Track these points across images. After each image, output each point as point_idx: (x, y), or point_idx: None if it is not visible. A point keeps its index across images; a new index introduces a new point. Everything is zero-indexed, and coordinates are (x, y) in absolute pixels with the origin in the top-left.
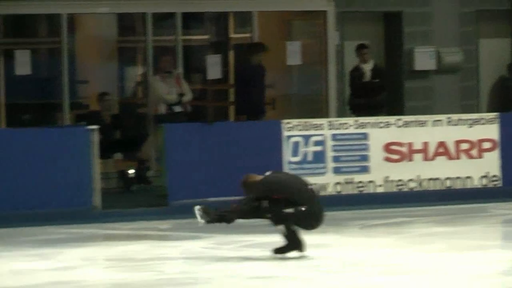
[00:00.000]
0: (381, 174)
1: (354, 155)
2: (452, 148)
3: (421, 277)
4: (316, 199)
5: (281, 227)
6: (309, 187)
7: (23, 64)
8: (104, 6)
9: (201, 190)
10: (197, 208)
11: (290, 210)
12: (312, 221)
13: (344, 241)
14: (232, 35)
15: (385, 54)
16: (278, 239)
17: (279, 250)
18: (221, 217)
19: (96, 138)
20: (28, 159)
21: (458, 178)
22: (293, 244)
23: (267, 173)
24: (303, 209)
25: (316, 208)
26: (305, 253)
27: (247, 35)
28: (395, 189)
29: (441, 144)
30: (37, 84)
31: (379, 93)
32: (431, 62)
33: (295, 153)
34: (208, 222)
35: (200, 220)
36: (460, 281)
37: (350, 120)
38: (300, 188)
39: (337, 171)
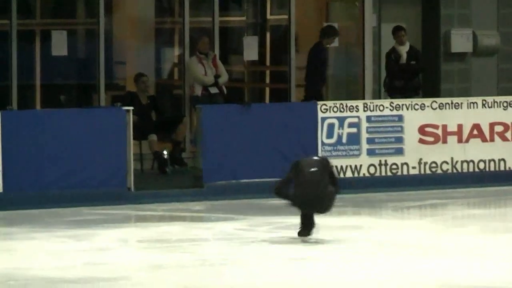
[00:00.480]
0: (415, 156)
1: (389, 137)
2: (486, 130)
3: (455, 259)
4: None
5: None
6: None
7: (59, 45)
8: None
9: (236, 172)
10: None
11: None
12: None
13: (377, 223)
14: (269, 17)
15: (422, 37)
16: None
17: (304, 233)
18: None
19: (131, 119)
20: (63, 140)
21: (491, 160)
22: (313, 224)
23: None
24: None
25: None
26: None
27: (284, 16)
28: (428, 172)
29: (476, 126)
30: (73, 65)
31: (415, 76)
32: (468, 44)
33: (330, 134)
34: None
35: None
36: (494, 263)
37: (386, 102)
38: None
39: (371, 153)
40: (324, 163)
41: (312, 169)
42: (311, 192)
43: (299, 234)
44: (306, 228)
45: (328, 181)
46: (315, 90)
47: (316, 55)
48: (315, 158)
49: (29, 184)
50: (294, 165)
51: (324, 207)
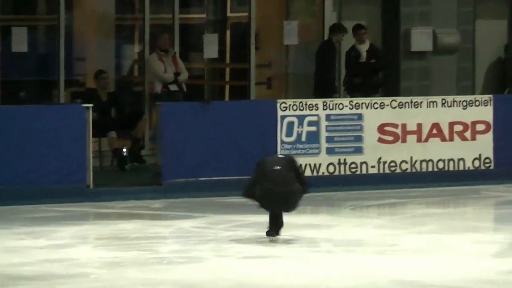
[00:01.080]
0: (374, 155)
1: (348, 136)
2: (445, 129)
3: (414, 258)
4: None
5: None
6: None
7: (19, 41)
8: None
9: (195, 170)
10: None
11: None
12: None
13: (336, 221)
14: (230, 14)
15: (382, 35)
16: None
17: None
18: None
19: (91, 116)
20: (23, 136)
21: (450, 160)
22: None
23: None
24: None
25: None
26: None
27: (244, 14)
28: (388, 171)
29: (435, 125)
30: (34, 61)
31: (375, 74)
32: (428, 43)
33: (289, 133)
34: None
35: None
36: (452, 262)
37: (345, 101)
38: None
39: (330, 151)
40: (289, 161)
41: (276, 167)
42: (276, 191)
43: (267, 234)
44: (274, 228)
45: (294, 179)
46: (325, 86)
47: (327, 52)
48: (280, 156)
49: None
50: (258, 164)
51: (290, 206)
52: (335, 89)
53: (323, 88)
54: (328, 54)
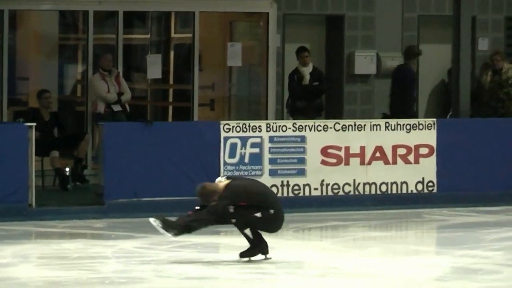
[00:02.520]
0: (317, 177)
1: (291, 158)
2: (389, 153)
3: (355, 281)
4: (279, 202)
5: (247, 231)
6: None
7: None
8: (46, 3)
9: (138, 190)
10: (154, 221)
11: (258, 214)
12: (277, 224)
13: (278, 243)
14: (173, 35)
15: (325, 58)
16: (213, 240)
17: (246, 254)
18: (186, 227)
19: (33, 135)
20: None
21: (394, 183)
22: (259, 247)
23: (225, 180)
24: (271, 212)
25: (280, 211)
26: (269, 256)
27: (188, 35)
28: (330, 193)
29: (378, 148)
30: None
31: (318, 97)
32: (372, 66)
33: (232, 154)
34: (176, 234)
35: (166, 233)
36: (394, 286)
37: (288, 123)
38: (265, 191)
39: (273, 173)
40: None
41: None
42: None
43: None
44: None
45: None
46: (404, 109)
47: (405, 76)
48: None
49: None
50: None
51: None
52: (414, 111)
53: (401, 111)
54: (408, 79)
